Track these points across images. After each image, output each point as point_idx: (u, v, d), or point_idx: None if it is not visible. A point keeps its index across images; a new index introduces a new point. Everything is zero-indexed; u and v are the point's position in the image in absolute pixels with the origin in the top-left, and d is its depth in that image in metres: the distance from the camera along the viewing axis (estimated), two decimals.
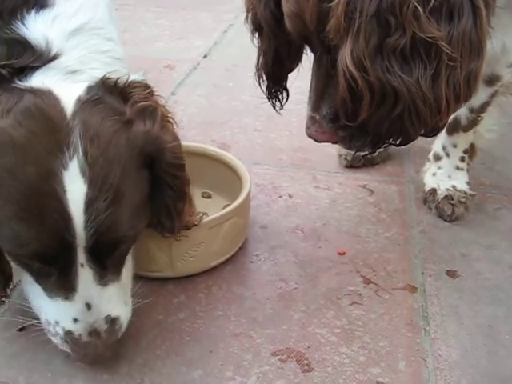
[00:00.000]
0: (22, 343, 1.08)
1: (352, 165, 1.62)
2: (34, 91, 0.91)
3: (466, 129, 1.43)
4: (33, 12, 1.00)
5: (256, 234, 1.37)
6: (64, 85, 0.95)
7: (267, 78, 1.29)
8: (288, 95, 1.33)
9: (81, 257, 0.89)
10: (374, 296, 1.21)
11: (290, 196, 1.50)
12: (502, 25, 1.17)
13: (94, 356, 0.96)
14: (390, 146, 1.10)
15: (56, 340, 0.97)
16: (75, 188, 0.85)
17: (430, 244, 1.36)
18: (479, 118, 1.42)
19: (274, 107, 1.34)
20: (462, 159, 1.49)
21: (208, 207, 1.31)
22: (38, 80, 0.94)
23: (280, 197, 1.50)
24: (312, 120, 1.13)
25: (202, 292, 1.20)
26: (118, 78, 0.97)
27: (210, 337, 1.10)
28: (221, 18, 2.61)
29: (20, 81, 0.95)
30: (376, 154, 1.61)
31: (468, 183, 1.49)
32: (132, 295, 1.04)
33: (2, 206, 0.86)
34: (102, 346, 0.95)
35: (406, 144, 1.08)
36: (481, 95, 1.37)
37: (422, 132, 1.05)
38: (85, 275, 0.91)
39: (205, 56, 2.22)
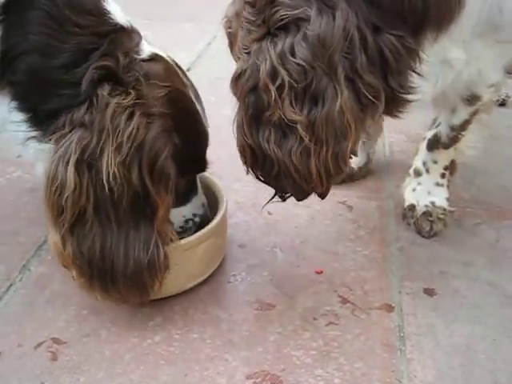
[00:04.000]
0: None
1: None
2: None
3: (447, 146, 1.43)
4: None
5: (234, 252, 1.36)
6: None
7: None
8: None
9: None
10: (351, 316, 1.21)
11: (270, 213, 1.50)
12: (476, 53, 1.18)
13: None
14: (289, 197, 1.15)
15: None
16: None
17: (408, 261, 1.36)
18: (460, 136, 1.42)
19: None
20: (443, 175, 1.49)
21: None
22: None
23: (259, 214, 1.49)
24: None
25: (179, 314, 1.20)
26: None
27: (185, 360, 1.10)
28: (205, 29, 2.61)
29: None
30: (357, 169, 1.63)
31: (448, 199, 1.49)
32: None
33: None
34: None
35: (300, 200, 1.14)
36: (461, 114, 1.37)
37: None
38: None
39: (188, 69, 2.22)
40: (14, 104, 1.09)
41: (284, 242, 1.40)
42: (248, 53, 1.02)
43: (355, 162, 1.62)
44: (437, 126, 1.43)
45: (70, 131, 1.02)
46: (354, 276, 1.31)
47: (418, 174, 1.50)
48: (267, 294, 1.25)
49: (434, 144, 1.44)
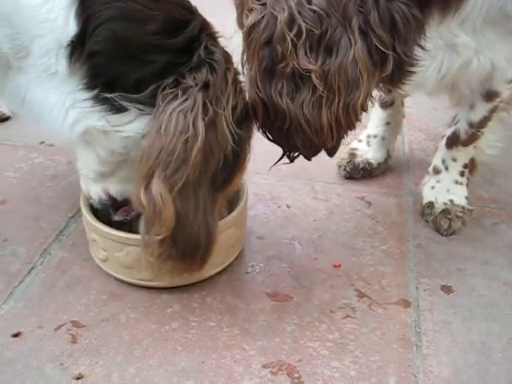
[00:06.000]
0: (16, 349, 1.09)
1: (351, 176, 1.62)
2: None
3: (466, 143, 1.43)
4: None
5: (252, 244, 1.37)
6: None
7: None
8: None
9: None
10: (368, 310, 1.21)
11: (288, 206, 1.51)
12: (488, 42, 1.18)
13: None
14: (297, 156, 1.17)
15: None
16: None
17: (425, 258, 1.36)
18: (479, 133, 1.41)
19: None
20: (462, 174, 1.48)
21: None
22: None
23: (278, 207, 1.50)
24: None
25: (197, 302, 1.21)
26: None
27: (202, 347, 1.11)
28: (226, 23, 2.61)
29: None
30: (376, 165, 1.63)
31: (467, 198, 1.48)
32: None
33: None
34: None
35: (309, 158, 1.16)
36: (480, 110, 1.37)
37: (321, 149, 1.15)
38: None
39: None
40: (83, 82, 1.03)
41: (302, 235, 1.41)
42: (263, 4, 1.03)
43: (375, 158, 1.63)
44: (456, 123, 1.43)
45: (195, 86, 1.03)
46: (372, 271, 1.31)
47: (436, 171, 1.50)
48: (285, 286, 1.26)
49: (453, 141, 1.44)
